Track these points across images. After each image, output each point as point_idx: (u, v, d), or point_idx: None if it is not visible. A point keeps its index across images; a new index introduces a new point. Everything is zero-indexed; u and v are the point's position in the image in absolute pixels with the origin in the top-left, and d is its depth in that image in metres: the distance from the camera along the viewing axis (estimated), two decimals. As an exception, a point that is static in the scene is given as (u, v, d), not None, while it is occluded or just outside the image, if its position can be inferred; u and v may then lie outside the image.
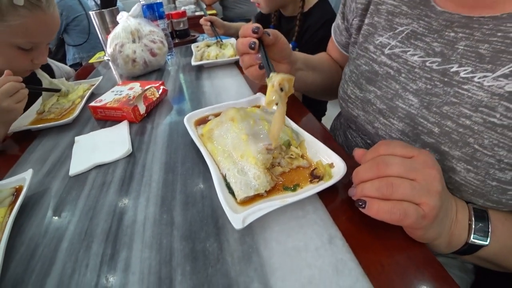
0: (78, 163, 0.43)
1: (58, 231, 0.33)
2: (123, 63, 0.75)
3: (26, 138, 0.54)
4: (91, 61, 1.07)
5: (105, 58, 1.04)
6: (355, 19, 0.47)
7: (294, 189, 0.33)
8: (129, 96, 0.56)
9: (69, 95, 0.67)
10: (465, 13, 0.32)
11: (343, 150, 0.40)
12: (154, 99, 0.58)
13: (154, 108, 0.58)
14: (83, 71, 0.95)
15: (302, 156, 0.38)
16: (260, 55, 0.40)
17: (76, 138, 0.50)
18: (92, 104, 0.56)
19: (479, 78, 0.29)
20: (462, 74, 0.31)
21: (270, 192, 0.32)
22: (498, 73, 0.28)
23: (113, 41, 0.76)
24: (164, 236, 0.30)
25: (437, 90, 0.33)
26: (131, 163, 0.42)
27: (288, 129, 0.41)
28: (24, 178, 0.39)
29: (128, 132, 0.49)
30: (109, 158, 0.43)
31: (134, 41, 0.78)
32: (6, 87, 0.49)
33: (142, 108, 0.54)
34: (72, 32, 1.93)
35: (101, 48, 2.04)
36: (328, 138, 0.44)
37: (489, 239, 0.28)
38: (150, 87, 0.59)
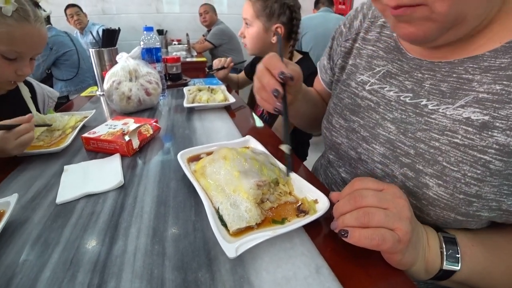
0: (67, 191, 0.43)
1: (40, 259, 0.32)
2: (119, 99, 0.78)
3: (9, 163, 0.53)
4: (82, 94, 1.09)
5: (97, 93, 1.07)
6: (339, 60, 0.56)
7: (282, 222, 0.35)
8: (124, 131, 0.59)
9: (59, 126, 0.67)
10: (429, 59, 0.40)
11: (326, 188, 0.45)
12: (148, 135, 0.60)
13: (146, 144, 0.60)
14: (73, 103, 0.96)
15: (290, 193, 0.41)
16: (281, 104, 0.42)
17: (66, 167, 0.50)
18: (86, 135, 0.57)
19: (443, 109, 0.36)
20: (430, 107, 0.38)
21: (260, 225, 0.35)
22: (457, 104, 0.35)
23: (111, 78, 0.80)
24: (155, 266, 0.30)
25: (411, 120, 0.40)
26: (122, 194, 0.43)
27: (276, 169, 0.45)
28: (8, 202, 0.38)
29: (120, 164, 0.50)
30: (100, 188, 0.43)
31: (131, 80, 0.82)
32: (27, 138, 0.51)
33: (135, 143, 0.56)
34: (62, 67, 1.97)
35: (88, 82, 2.08)
36: (312, 177, 0.49)
37: (460, 264, 0.33)
38: (145, 124, 0.62)
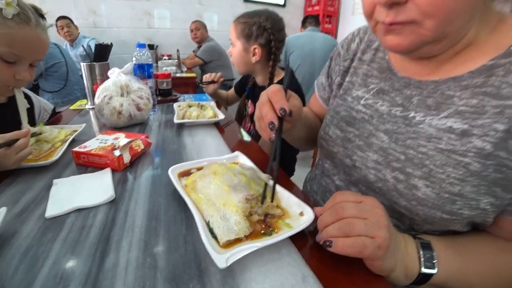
0: (56, 205, 0.44)
1: (29, 273, 0.32)
2: (109, 114, 0.79)
3: (-4, 177, 0.53)
4: (71, 108, 1.09)
5: (87, 106, 1.07)
6: (337, 78, 0.60)
7: (270, 234, 0.37)
8: (115, 145, 0.60)
9: (48, 139, 0.67)
10: (417, 78, 0.45)
11: (311, 201, 0.50)
12: (139, 150, 0.61)
13: (137, 159, 0.61)
14: (61, 116, 0.96)
15: (277, 206, 0.43)
16: (275, 136, 0.44)
17: (55, 181, 0.51)
18: (76, 149, 0.58)
19: (429, 119, 0.42)
20: (417, 118, 0.43)
21: (249, 237, 0.36)
22: (441, 116, 0.40)
23: (102, 93, 0.81)
24: (147, 279, 0.31)
25: (401, 130, 0.44)
26: (113, 208, 0.43)
27: (263, 183, 0.47)
28: (-4, 216, 0.38)
29: (111, 179, 0.51)
30: (90, 202, 0.44)
31: (122, 95, 0.83)
32: (26, 152, 0.52)
33: (127, 158, 0.57)
34: (50, 78, 1.95)
35: (76, 95, 2.07)
36: (298, 191, 0.52)
37: (436, 268, 0.36)
38: (136, 139, 0.63)
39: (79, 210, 0.43)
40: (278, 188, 0.47)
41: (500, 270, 0.39)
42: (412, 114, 0.44)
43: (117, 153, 0.56)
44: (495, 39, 0.38)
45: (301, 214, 0.41)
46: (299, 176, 0.76)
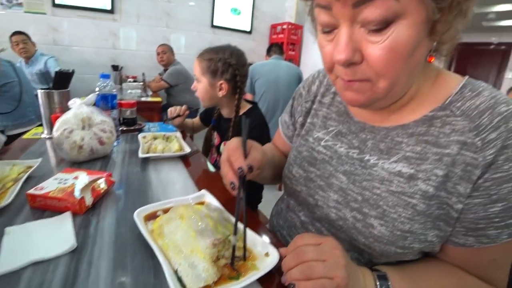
0: (9, 259, 0.41)
1: None
2: (69, 148, 0.76)
3: None
4: (25, 137, 1.02)
5: (43, 136, 1.02)
6: (300, 118, 0.64)
7: (237, 278, 0.39)
8: (75, 187, 0.58)
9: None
10: (371, 124, 0.51)
11: (277, 239, 0.52)
12: (102, 191, 0.60)
13: (99, 199, 0.60)
14: (11, 147, 0.90)
15: (244, 248, 0.45)
16: (238, 194, 0.46)
17: (7, 229, 0.47)
18: (32, 191, 0.55)
19: (381, 163, 0.47)
20: (371, 161, 0.48)
21: (217, 282, 0.38)
22: (391, 160, 0.46)
23: (62, 126, 0.78)
24: (111, 338, 0.31)
25: (358, 171, 0.49)
26: (75, 259, 0.42)
27: (229, 225, 0.49)
28: None
29: (72, 224, 0.49)
30: (49, 254, 0.42)
31: (83, 128, 0.81)
32: None
33: (88, 200, 0.55)
34: (1, 99, 1.80)
35: (30, 117, 1.93)
36: (264, 229, 0.55)
37: None
38: (98, 178, 0.62)
39: (36, 264, 0.40)
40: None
41: None
42: (367, 157, 0.49)
43: (78, 195, 0.54)
44: (434, 92, 0.45)
45: (267, 254, 0.44)
46: (268, 200, 0.78)
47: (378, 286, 0.41)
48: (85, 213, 0.54)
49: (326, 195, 0.52)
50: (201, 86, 1.10)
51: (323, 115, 0.59)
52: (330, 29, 0.40)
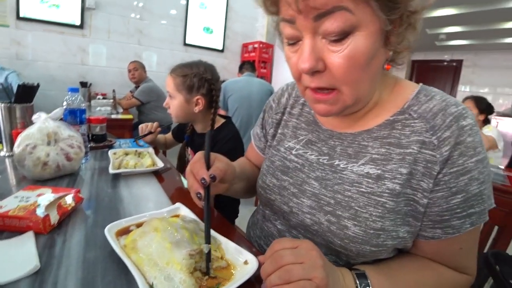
0: (-39, 285, 0.37)
1: None
2: (32, 165, 0.72)
3: None
4: (-19, 156, 0.94)
5: (2, 154, 0.95)
6: (271, 129, 0.66)
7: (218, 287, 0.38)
8: (39, 204, 0.54)
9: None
10: (338, 131, 0.54)
11: (255, 248, 0.52)
12: (69, 208, 0.57)
13: (66, 218, 0.56)
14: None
15: (222, 258, 0.45)
16: (204, 205, 0.48)
17: (-42, 254, 0.43)
18: (-11, 212, 0.51)
19: (350, 166, 0.49)
20: (341, 165, 0.50)
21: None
22: (359, 163, 0.48)
23: (24, 141, 0.74)
24: None
25: (329, 176, 0.51)
26: (38, 281, 0.39)
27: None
28: None
29: (34, 245, 0.46)
30: (9, 277, 0.38)
31: (49, 144, 0.77)
32: None
33: (54, 218, 0.52)
34: None
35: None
36: (241, 239, 0.54)
37: None
38: (65, 195, 0.58)
39: (-7, 288, 0.37)
40: (222, 239, 0.49)
41: (423, 284, 0.47)
42: (337, 162, 0.51)
43: (41, 213, 0.51)
44: (394, 99, 0.50)
45: (246, 262, 0.44)
46: (245, 214, 0.78)
47: (358, 284, 0.43)
48: (50, 232, 0.51)
49: (300, 201, 0.53)
50: (175, 102, 1.08)
51: (293, 125, 0.62)
52: (294, 41, 0.43)
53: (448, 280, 0.49)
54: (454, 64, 5.69)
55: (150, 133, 1.19)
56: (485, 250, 1.03)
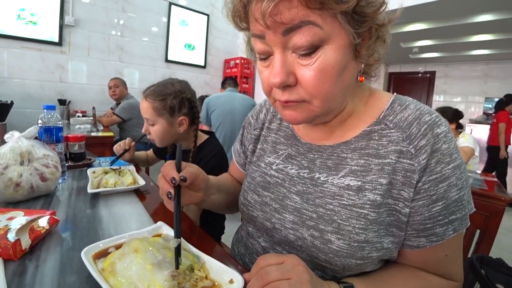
0: None
1: None
2: (3, 186, 0.68)
3: None
4: None
5: (-30, 177, 0.89)
6: (250, 145, 0.66)
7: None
8: (9, 228, 0.51)
9: None
10: (316, 143, 0.54)
11: (240, 265, 0.51)
12: (43, 231, 0.53)
13: (40, 241, 0.53)
14: None
15: (206, 277, 0.43)
16: (174, 202, 0.48)
17: None
18: (-48, 239, 0.47)
19: (331, 179, 0.49)
20: (322, 178, 0.50)
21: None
22: (339, 175, 0.48)
23: (-6, 162, 0.70)
24: None
25: (310, 190, 0.50)
26: (5, 312, 0.36)
27: (189, 255, 0.47)
28: None
29: (3, 272, 0.43)
30: (-28, 310, 0.36)
31: (22, 163, 0.73)
32: None
33: (25, 243, 0.49)
34: None
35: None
36: (226, 256, 0.53)
37: None
38: (38, 217, 0.55)
39: (-47, 324, 0.34)
40: (205, 257, 0.47)
41: None
42: (317, 175, 0.51)
43: (12, 237, 0.48)
44: (369, 109, 0.51)
45: (231, 281, 0.42)
46: (232, 231, 0.76)
47: None
48: (21, 258, 0.48)
49: (282, 217, 0.52)
50: (158, 128, 1.02)
51: (272, 140, 0.62)
52: (265, 56, 0.44)
53: (436, 287, 0.48)
54: (428, 75, 5.99)
55: (125, 151, 1.13)
56: (469, 255, 1.05)
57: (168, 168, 0.49)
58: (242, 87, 4.06)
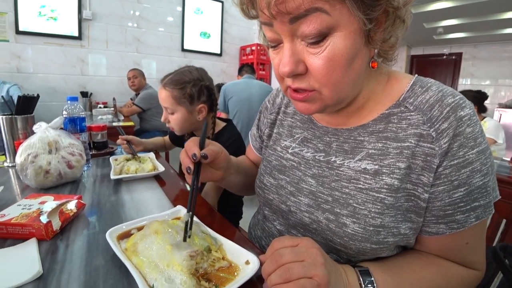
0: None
1: None
2: (34, 174, 0.72)
3: None
4: (-16, 168, 0.95)
5: (5, 164, 0.96)
6: (266, 129, 0.66)
7: (218, 288, 0.38)
8: (41, 211, 0.55)
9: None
10: (333, 127, 0.53)
11: (257, 248, 0.52)
12: (71, 214, 0.57)
13: (69, 224, 0.57)
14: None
15: (223, 258, 0.45)
16: (192, 178, 0.50)
17: (-38, 263, 0.44)
18: (-8, 220, 0.51)
19: (347, 163, 0.48)
20: (338, 162, 0.49)
21: (196, 296, 0.37)
22: (356, 159, 0.48)
23: (25, 151, 0.75)
24: None
25: (326, 173, 0.50)
26: (41, 286, 0.39)
27: (207, 237, 0.49)
28: None
29: (37, 251, 0.46)
30: (12, 283, 0.39)
31: (50, 152, 0.78)
32: None
33: (56, 224, 0.52)
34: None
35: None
36: (243, 239, 0.54)
37: None
38: (67, 201, 0.59)
39: (-4, 295, 0.38)
40: (223, 239, 0.49)
41: (430, 281, 0.45)
42: (333, 159, 0.51)
43: (44, 219, 0.51)
44: (388, 92, 0.49)
45: (247, 262, 0.43)
46: (249, 216, 0.78)
47: (362, 282, 0.42)
48: (52, 239, 0.51)
49: (298, 200, 0.53)
50: (178, 116, 1.03)
51: (288, 124, 0.62)
52: (276, 44, 0.43)
53: (456, 276, 0.47)
54: (454, 57, 5.66)
55: (131, 147, 1.08)
56: (494, 244, 1.02)
57: (191, 144, 0.50)
58: (259, 74, 4.02)
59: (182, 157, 0.51)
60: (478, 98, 2.27)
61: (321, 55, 0.38)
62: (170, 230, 0.46)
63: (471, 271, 0.48)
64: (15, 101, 0.99)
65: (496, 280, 0.70)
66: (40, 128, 0.81)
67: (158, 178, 0.87)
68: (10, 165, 0.95)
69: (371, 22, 0.37)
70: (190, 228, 0.45)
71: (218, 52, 4.09)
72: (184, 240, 0.44)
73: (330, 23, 0.36)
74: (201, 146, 0.51)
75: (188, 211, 0.46)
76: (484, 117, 2.34)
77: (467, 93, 2.27)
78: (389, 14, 0.38)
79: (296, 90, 0.44)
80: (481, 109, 2.32)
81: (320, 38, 0.37)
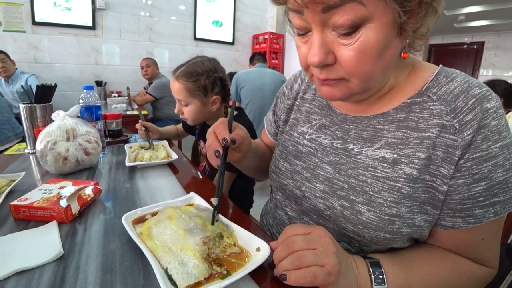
0: (-7, 270, 0.40)
1: None
2: (54, 160, 0.75)
3: None
4: (7, 153, 1.00)
5: (26, 151, 0.99)
6: (283, 115, 0.66)
7: (229, 274, 0.39)
8: (61, 196, 0.57)
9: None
10: (352, 114, 0.52)
11: (267, 235, 0.52)
12: (89, 199, 0.59)
13: (86, 208, 0.59)
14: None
15: (234, 244, 0.46)
16: (220, 162, 0.50)
17: (-11, 242, 0.46)
18: (15, 202, 0.54)
19: (365, 151, 0.47)
20: (355, 150, 0.49)
21: (208, 279, 0.38)
22: (374, 147, 0.47)
23: (45, 138, 0.77)
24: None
25: (343, 161, 0.50)
26: (62, 266, 0.41)
27: (220, 223, 0.49)
28: None
29: (58, 233, 0.48)
30: (34, 263, 0.41)
31: (68, 140, 0.80)
32: None
33: (75, 208, 0.54)
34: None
35: (6, 135, 1.89)
36: (254, 227, 0.55)
37: (386, 283, 0.41)
38: (85, 187, 0.61)
39: (20, 273, 0.39)
40: (235, 226, 0.49)
41: (441, 276, 0.44)
42: (351, 146, 0.50)
43: (64, 203, 0.54)
44: (411, 82, 0.48)
45: (258, 249, 0.44)
46: (260, 205, 0.79)
47: (372, 273, 0.42)
48: (71, 222, 0.53)
49: (313, 186, 0.53)
50: (192, 108, 1.02)
51: (306, 110, 0.61)
52: (304, 32, 0.42)
53: (468, 272, 0.46)
54: (475, 46, 5.42)
55: (147, 135, 1.11)
56: (509, 241, 0.99)
57: (221, 127, 0.51)
58: (271, 62, 3.97)
59: (211, 139, 0.51)
60: (510, 90, 2.09)
61: (352, 46, 0.37)
62: (183, 216, 0.47)
63: (484, 268, 0.47)
64: (34, 91, 1.02)
65: (508, 278, 0.69)
66: (58, 116, 0.83)
67: (171, 166, 0.88)
68: (30, 151, 0.99)
69: (406, 13, 0.36)
70: (219, 212, 0.46)
71: (231, 40, 4.06)
72: (212, 223, 0.46)
73: (364, 14, 0.35)
74: (230, 126, 0.51)
75: (216, 196, 0.48)
76: (509, 111, 2.21)
77: (500, 83, 2.09)
78: (422, 5, 0.37)
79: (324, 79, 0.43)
80: (508, 103, 2.18)
81: (352, 29, 0.36)
